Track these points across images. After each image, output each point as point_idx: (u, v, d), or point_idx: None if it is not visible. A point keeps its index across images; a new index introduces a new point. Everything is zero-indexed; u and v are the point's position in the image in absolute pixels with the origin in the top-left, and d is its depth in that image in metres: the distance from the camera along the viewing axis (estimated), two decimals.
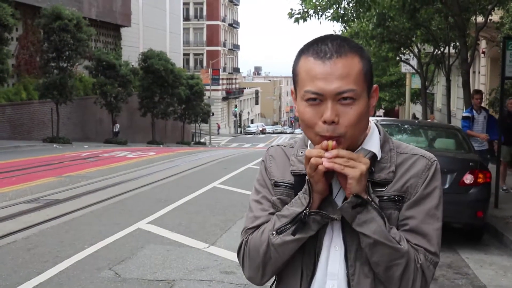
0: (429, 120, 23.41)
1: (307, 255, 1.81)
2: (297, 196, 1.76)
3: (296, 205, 1.74)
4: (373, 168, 1.75)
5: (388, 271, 1.70)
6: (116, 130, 39.40)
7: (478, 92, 12.43)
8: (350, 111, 1.67)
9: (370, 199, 1.67)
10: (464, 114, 12.14)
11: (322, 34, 1.80)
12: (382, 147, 1.82)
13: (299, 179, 1.81)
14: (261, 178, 1.95)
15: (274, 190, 1.89)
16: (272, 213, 1.85)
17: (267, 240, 1.78)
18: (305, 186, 1.73)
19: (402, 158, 1.81)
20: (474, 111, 11.93)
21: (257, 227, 1.86)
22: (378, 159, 1.79)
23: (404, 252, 1.68)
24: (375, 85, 1.80)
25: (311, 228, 1.73)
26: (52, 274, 6.77)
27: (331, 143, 1.65)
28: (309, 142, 1.86)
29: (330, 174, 1.69)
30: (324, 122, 1.67)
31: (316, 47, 1.72)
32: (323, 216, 1.71)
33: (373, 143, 1.81)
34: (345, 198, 1.70)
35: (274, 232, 1.76)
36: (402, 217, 1.76)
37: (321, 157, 1.64)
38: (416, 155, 1.82)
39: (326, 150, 1.65)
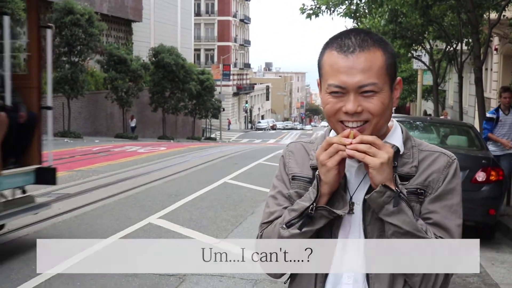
0: (442, 117, 23.30)
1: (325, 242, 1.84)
2: (308, 191, 1.80)
3: (305, 200, 1.77)
4: (396, 163, 1.78)
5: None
6: (133, 125, 39.55)
7: (507, 89, 10.81)
8: (372, 101, 1.72)
9: (399, 190, 1.69)
10: (488, 115, 10.84)
11: (347, 29, 1.87)
12: (404, 143, 1.85)
13: None
14: (279, 173, 1.99)
15: (292, 184, 1.91)
16: (287, 208, 1.87)
17: (278, 233, 1.81)
18: (314, 181, 1.76)
19: (423, 155, 1.84)
20: (501, 112, 10.47)
21: (272, 221, 1.89)
22: (401, 153, 1.82)
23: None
24: (398, 78, 1.84)
25: (318, 222, 1.76)
26: (64, 268, 6.80)
27: (353, 131, 1.70)
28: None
29: (342, 166, 1.72)
30: (346, 113, 1.72)
31: (340, 41, 1.76)
32: (329, 211, 1.74)
33: (395, 138, 1.85)
34: (369, 191, 1.74)
35: (284, 225, 1.79)
36: (424, 210, 1.78)
37: (342, 144, 1.68)
38: (437, 152, 1.86)
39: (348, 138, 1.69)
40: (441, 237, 1.75)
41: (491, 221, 8.89)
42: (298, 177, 1.91)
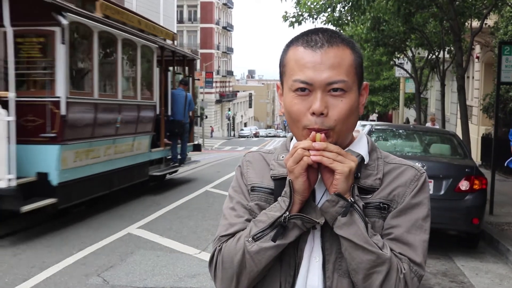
0: (428, 124, 23.30)
1: (285, 266, 1.66)
2: (276, 202, 1.63)
3: (275, 210, 1.61)
4: (359, 174, 1.64)
5: (367, 280, 1.56)
6: None
7: None
8: (340, 103, 1.57)
9: (353, 201, 1.55)
10: None
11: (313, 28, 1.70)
12: (369, 154, 1.72)
13: (280, 183, 1.68)
14: (236, 184, 1.81)
15: (251, 195, 1.75)
16: (249, 220, 1.70)
17: (243, 248, 1.63)
18: (285, 188, 1.60)
19: (389, 167, 1.71)
20: None
21: (232, 234, 1.70)
22: (365, 163, 1.69)
23: (385, 258, 1.55)
24: (365, 82, 1.70)
25: (291, 234, 1.60)
26: (39, 281, 6.61)
27: (320, 135, 1.55)
28: (291, 146, 1.73)
29: (313, 174, 1.58)
30: (313, 113, 1.56)
31: (307, 37, 1.63)
32: (304, 221, 1.58)
33: (361, 148, 1.71)
34: None
35: (250, 239, 1.61)
36: (387, 225, 1.64)
37: (309, 149, 1.53)
38: (405, 165, 1.72)
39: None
40: (402, 253, 1.60)
41: (475, 230, 8.81)
42: (258, 188, 1.74)
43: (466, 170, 8.72)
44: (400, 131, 10.67)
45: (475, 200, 8.57)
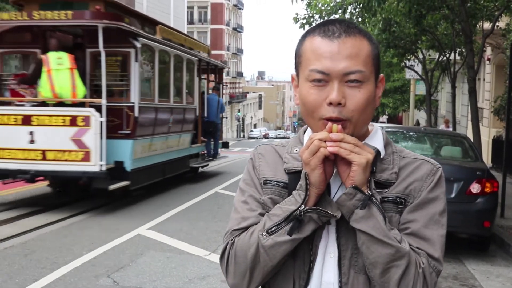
0: (442, 126, 23.18)
1: (299, 262, 1.64)
2: (291, 195, 1.60)
3: (290, 203, 1.58)
4: (375, 168, 1.61)
5: (386, 274, 1.53)
6: None
7: None
8: (358, 94, 1.55)
9: (370, 194, 1.53)
10: None
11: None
12: (384, 148, 1.70)
13: (294, 177, 1.65)
14: (248, 177, 1.77)
15: (264, 189, 1.71)
16: (262, 214, 1.66)
17: (257, 242, 1.59)
18: (301, 182, 1.57)
19: (405, 162, 1.68)
20: None
21: (245, 228, 1.66)
22: (381, 156, 1.67)
23: (405, 252, 1.52)
24: (381, 75, 1.68)
25: (306, 228, 1.57)
26: (49, 281, 6.62)
27: (336, 126, 1.53)
28: (306, 138, 1.73)
29: (329, 167, 1.56)
30: (330, 104, 1.54)
31: (324, 27, 1.60)
32: (320, 214, 1.55)
33: (376, 141, 1.69)
34: None
35: (264, 233, 1.58)
36: (403, 220, 1.61)
37: (326, 140, 1.51)
38: (420, 159, 1.70)
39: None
40: (419, 248, 1.57)
41: (486, 233, 8.76)
42: (271, 181, 1.71)
43: (478, 173, 8.67)
44: (411, 133, 10.63)
45: (486, 203, 8.52)
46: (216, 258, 7.86)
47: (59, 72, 10.50)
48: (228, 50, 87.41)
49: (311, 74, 1.57)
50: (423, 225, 1.60)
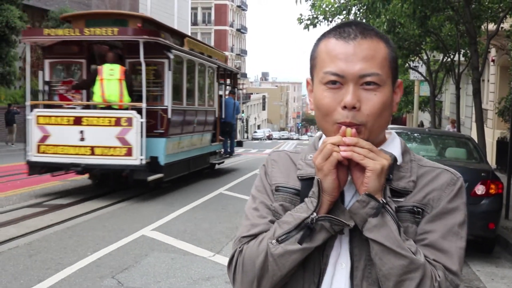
0: (448, 126, 23.13)
1: (309, 273, 1.57)
2: (302, 202, 1.54)
3: (301, 210, 1.52)
4: (391, 176, 1.54)
5: (399, 287, 1.45)
6: None
7: None
8: (374, 97, 1.50)
9: (385, 201, 1.46)
10: None
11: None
12: (402, 156, 1.63)
13: (307, 184, 1.59)
14: (259, 184, 1.72)
15: (276, 195, 1.66)
16: (272, 221, 1.61)
17: (266, 250, 1.53)
18: (313, 188, 1.51)
19: (423, 170, 1.61)
20: None
21: (255, 236, 1.60)
22: (398, 163, 1.60)
23: (419, 264, 1.45)
24: (399, 80, 1.62)
25: (318, 237, 1.50)
26: (54, 282, 6.63)
27: (351, 130, 1.47)
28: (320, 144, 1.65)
29: (343, 173, 1.49)
30: (344, 107, 1.49)
31: (339, 29, 1.56)
32: (332, 223, 1.49)
33: (393, 148, 1.62)
34: None
35: (274, 241, 1.52)
36: (420, 231, 1.54)
37: (339, 145, 1.46)
38: (440, 168, 1.62)
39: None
40: (436, 260, 1.50)
41: (491, 235, 8.75)
42: (283, 188, 1.65)
43: (482, 174, 8.66)
44: (415, 134, 10.62)
45: (491, 205, 8.51)
46: (220, 259, 7.86)
47: (110, 81, 12.42)
48: (232, 51, 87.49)
49: (325, 76, 1.53)
50: (441, 236, 1.53)
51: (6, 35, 24.67)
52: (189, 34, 70.17)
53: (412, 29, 18.15)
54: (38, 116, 12.69)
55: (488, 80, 24.23)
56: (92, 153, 12.39)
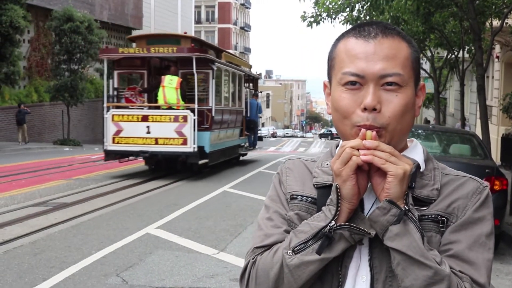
0: (457, 125, 23.10)
1: (327, 285, 1.49)
2: (320, 211, 1.47)
3: (319, 219, 1.44)
4: (414, 183, 1.47)
5: None
6: None
7: None
8: (395, 99, 1.43)
9: (407, 209, 1.38)
10: None
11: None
12: (425, 163, 1.55)
13: (324, 192, 1.51)
14: (273, 193, 1.63)
15: (291, 204, 1.57)
16: (287, 231, 1.52)
17: (281, 261, 1.45)
18: (331, 196, 1.43)
19: (448, 178, 1.53)
20: None
21: (269, 246, 1.52)
22: (421, 170, 1.53)
23: (445, 275, 1.36)
24: (422, 83, 1.55)
25: (336, 247, 1.43)
26: (58, 280, 6.64)
27: (371, 133, 1.40)
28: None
29: (362, 179, 1.42)
30: (364, 109, 1.41)
31: (359, 28, 1.50)
32: (352, 232, 1.41)
33: (416, 155, 1.55)
34: None
35: (289, 251, 1.44)
36: (445, 241, 1.45)
37: (358, 148, 1.38)
38: (465, 177, 1.54)
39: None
40: (462, 272, 1.41)
41: (496, 231, 8.71)
42: (298, 196, 1.56)
43: (487, 170, 8.64)
44: (420, 131, 10.59)
45: (495, 201, 8.47)
46: (224, 256, 7.87)
47: (169, 89, 15.89)
48: (235, 49, 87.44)
49: (344, 77, 1.46)
50: (467, 247, 1.44)
51: (10, 35, 24.72)
52: (193, 32, 70.31)
53: (416, 26, 18.15)
54: (113, 115, 16.15)
55: (493, 77, 24.18)
56: (156, 143, 15.89)
